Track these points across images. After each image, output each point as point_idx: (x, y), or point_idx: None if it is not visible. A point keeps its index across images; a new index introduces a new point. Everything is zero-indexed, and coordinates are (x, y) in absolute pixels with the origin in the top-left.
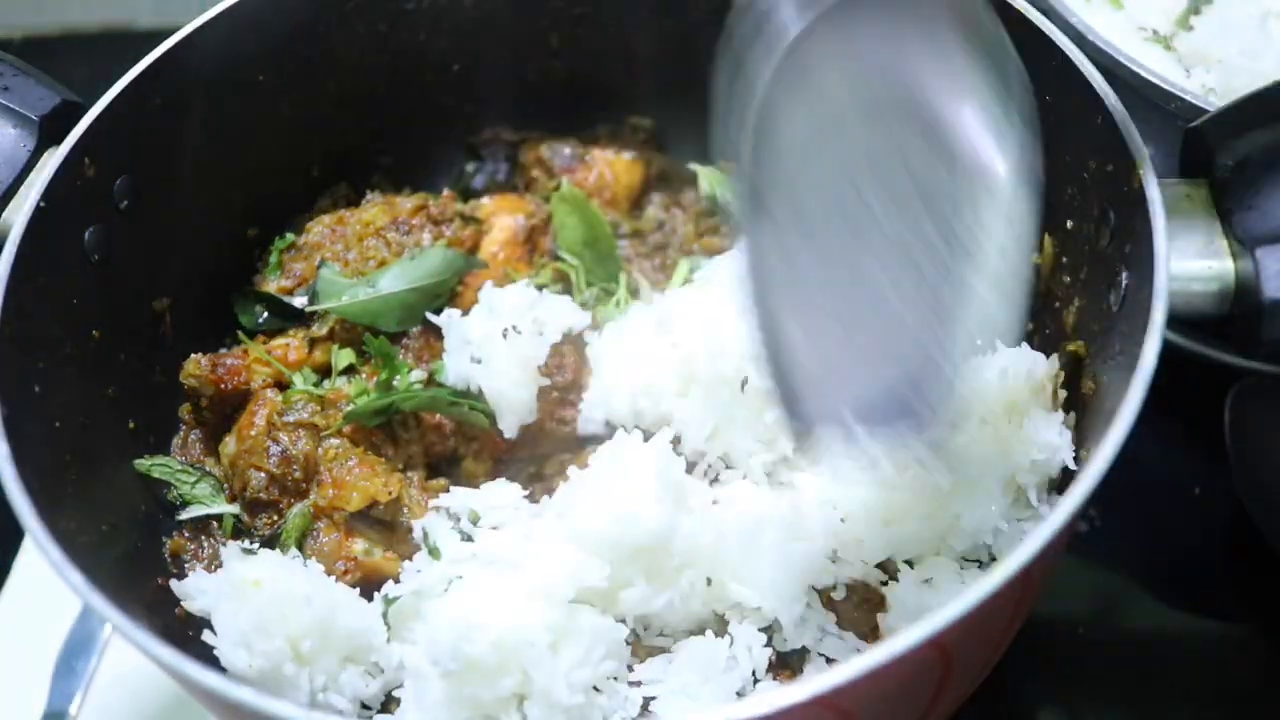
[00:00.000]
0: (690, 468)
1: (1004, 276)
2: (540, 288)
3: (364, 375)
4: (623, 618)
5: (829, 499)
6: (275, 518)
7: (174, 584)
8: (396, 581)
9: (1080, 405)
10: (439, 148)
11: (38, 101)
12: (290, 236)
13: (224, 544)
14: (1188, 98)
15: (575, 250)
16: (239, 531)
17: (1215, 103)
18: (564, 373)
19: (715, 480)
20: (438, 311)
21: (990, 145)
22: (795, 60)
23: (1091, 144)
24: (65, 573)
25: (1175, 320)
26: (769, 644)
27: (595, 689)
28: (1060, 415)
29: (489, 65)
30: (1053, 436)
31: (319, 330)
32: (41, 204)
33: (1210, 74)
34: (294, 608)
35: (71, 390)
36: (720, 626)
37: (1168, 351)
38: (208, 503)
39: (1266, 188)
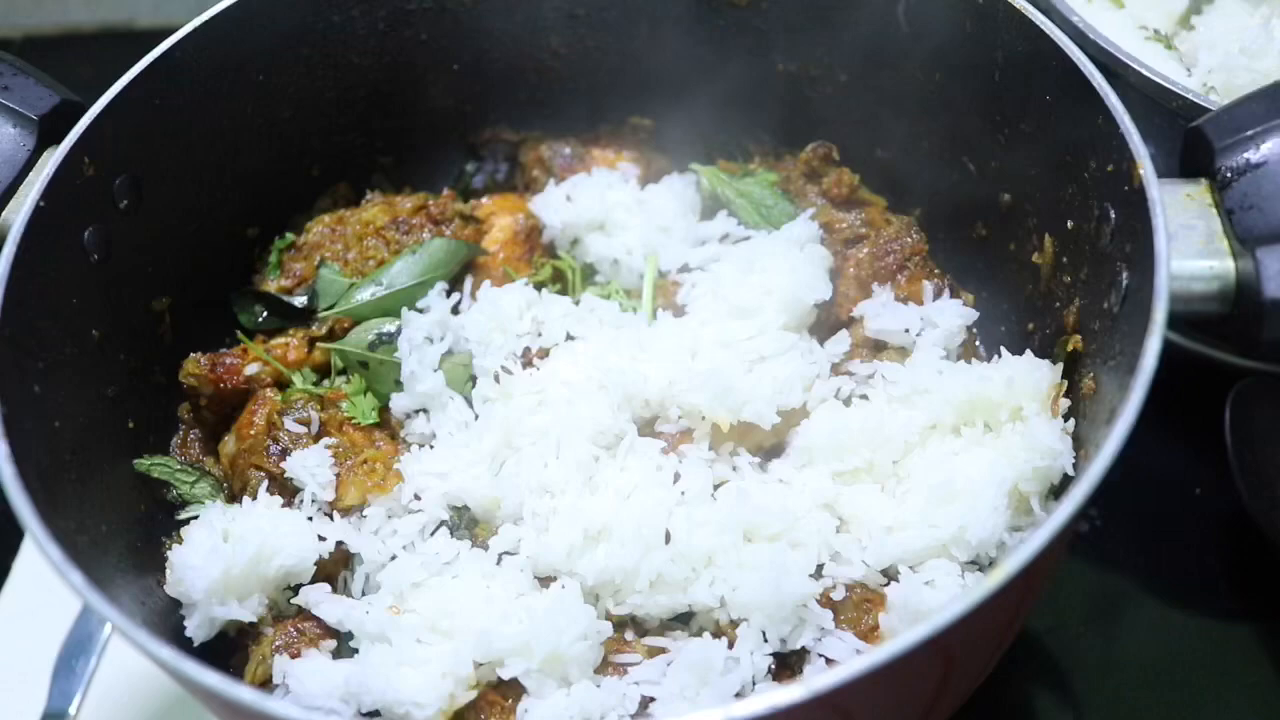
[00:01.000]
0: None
1: None
2: (539, 287)
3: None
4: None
5: (828, 501)
6: None
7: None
8: None
9: (1080, 405)
10: (439, 148)
11: (37, 101)
12: (290, 236)
13: None
14: (1189, 96)
15: None
16: None
17: (1216, 101)
18: None
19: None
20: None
21: None
22: None
23: (1091, 144)
24: (65, 572)
25: (1175, 320)
26: (766, 640)
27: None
28: (1061, 422)
29: (489, 65)
30: (1054, 442)
31: (319, 330)
32: (41, 203)
33: (1211, 73)
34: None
35: (71, 390)
36: (717, 629)
37: (1168, 351)
38: (207, 502)
39: (1267, 187)
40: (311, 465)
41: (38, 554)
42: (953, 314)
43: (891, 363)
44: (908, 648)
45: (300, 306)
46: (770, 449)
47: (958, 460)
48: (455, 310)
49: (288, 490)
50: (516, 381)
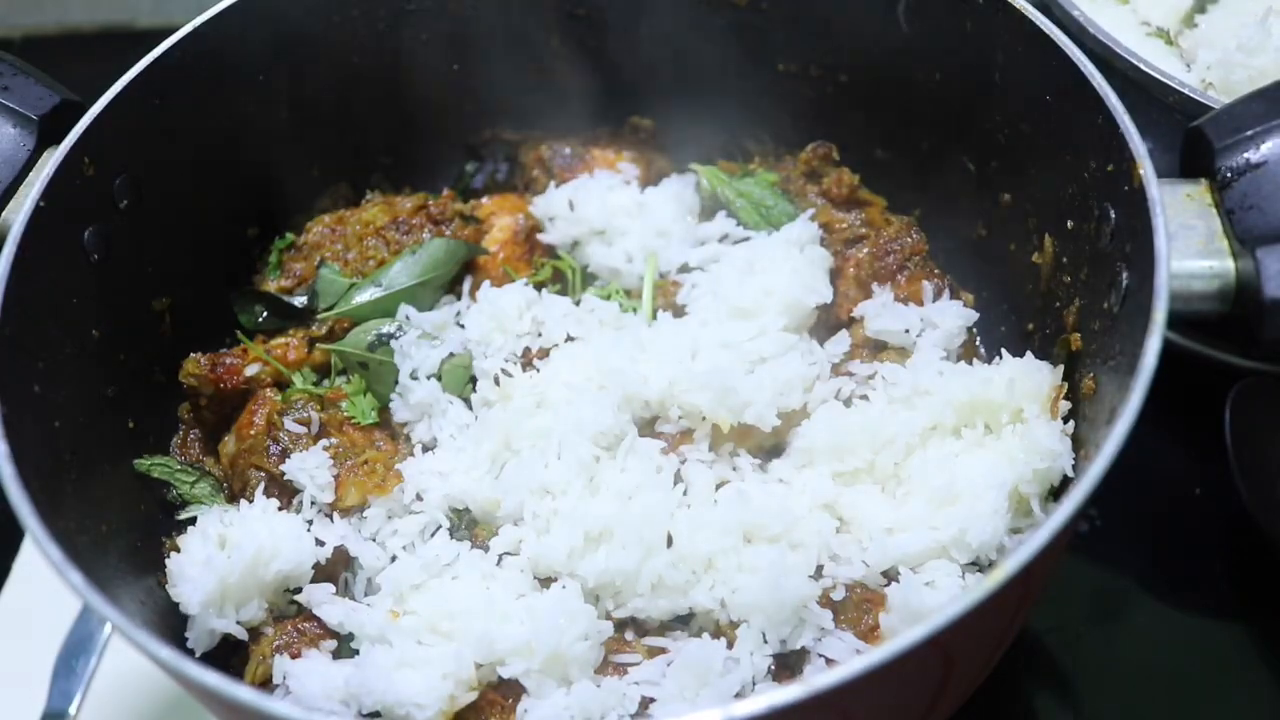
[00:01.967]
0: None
1: None
2: (539, 287)
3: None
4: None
5: (828, 502)
6: None
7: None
8: None
9: (1080, 405)
10: (439, 148)
11: (37, 101)
12: (290, 236)
13: None
14: (1185, 91)
15: None
16: None
17: (1215, 98)
18: None
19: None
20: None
21: None
22: None
23: (1091, 143)
24: (65, 572)
25: (1175, 320)
26: (766, 641)
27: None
28: (1060, 424)
29: (489, 65)
30: (1055, 444)
31: (319, 330)
32: (41, 203)
33: (1210, 69)
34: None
35: (71, 390)
36: (717, 630)
37: (1168, 351)
38: (207, 502)
39: (1267, 187)
40: (311, 467)
41: (38, 554)
42: (953, 314)
43: (892, 363)
44: (908, 648)
45: (300, 306)
46: (770, 449)
47: (958, 462)
48: (460, 323)
49: (287, 491)
50: (516, 384)
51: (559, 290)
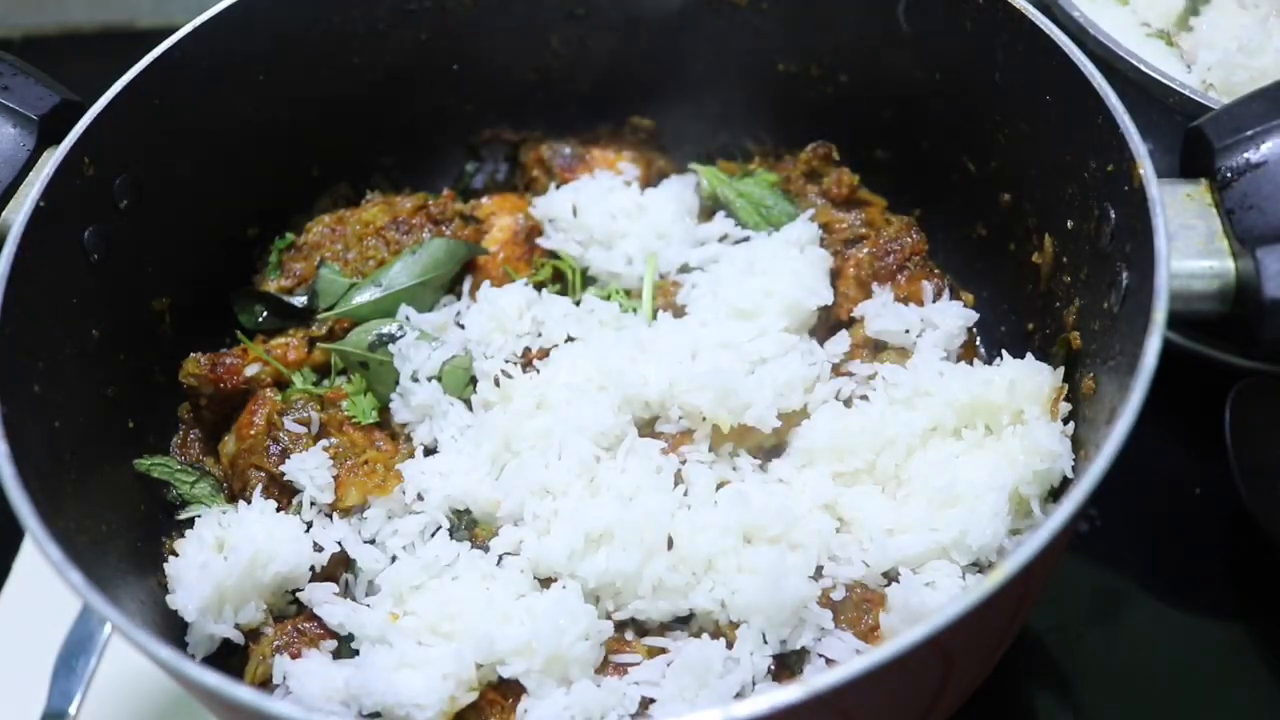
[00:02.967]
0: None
1: None
2: (539, 287)
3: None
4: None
5: (828, 502)
6: None
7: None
8: None
9: (1080, 406)
10: (439, 148)
11: (37, 101)
12: (290, 236)
13: None
14: (1185, 92)
15: None
16: None
17: (1215, 98)
18: None
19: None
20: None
21: None
22: None
23: (1091, 144)
24: (65, 572)
25: (1175, 320)
26: (766, 642)
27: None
28: (1061, 425)
29: (489, 65)
30: (1055, 445)
31: (319, 330)
32: (41, 203)
33: (1210, 70)
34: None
35: (71, 390)
36: (716, 630)
37: (1168, 351)
38: (207, 503)
39: (1267, 187)
40: (310, 467)
41: (38, 554)
42: (953, 315)
43: (892, 364)
44: (907, 648)
45: (300, 306)
46: (770, 449)
47: (959, 463)
48: (459, 323)
49: (287, 491)
50: (516, 385)
51: (559, 290)
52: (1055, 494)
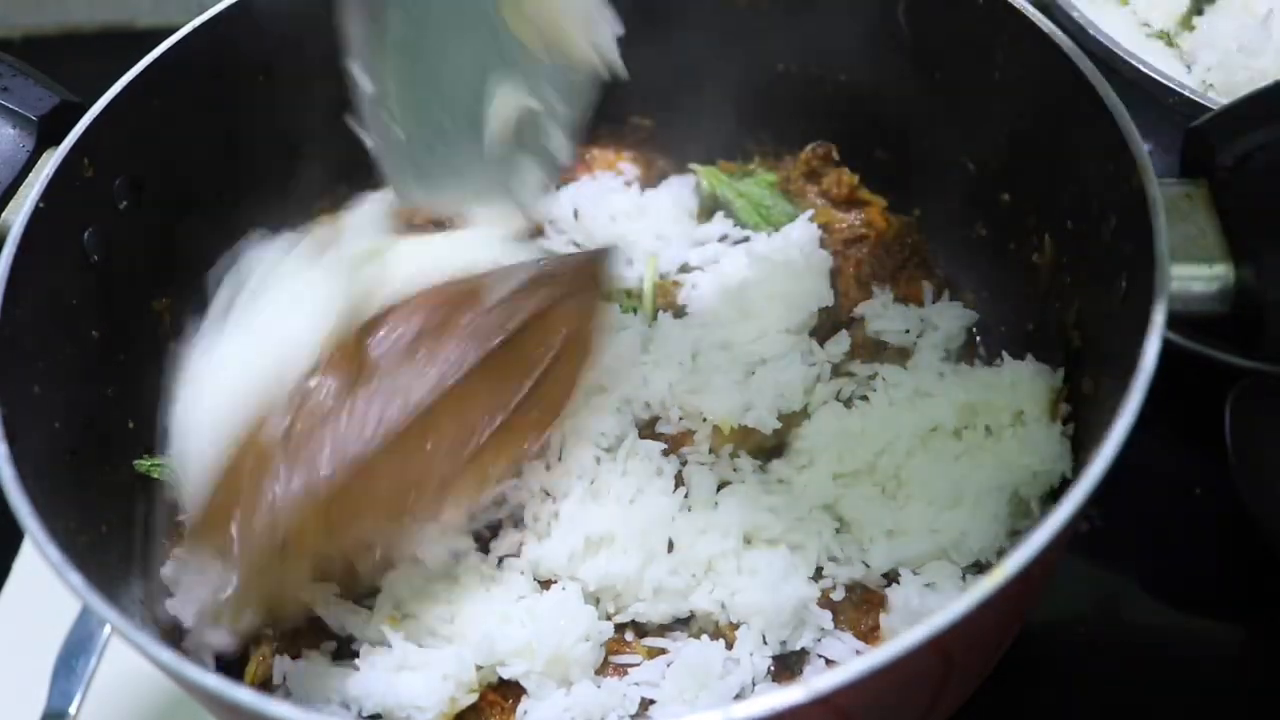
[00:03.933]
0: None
1: None
2: None
3: None
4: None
5: (829, 503)
6: None
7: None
8: None
9: (1080, 406)
10: None
11: (37, 102)
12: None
13: None
14: (1186, 93)
15: None
16: None
17: (1215, 99)
18: None
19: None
20: None
21: None
22: None
23: (1091, 144)
24: (65, 573)
25: (1175, 320)
26: (766, 643)
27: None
28: (1060, 426)
29: None
30: (1055, 447)
31: None
32: (40, 204)
33: (1210, 71)
34: None
35: (71, 390)
36: (716, 630)
37: (1168, 351)
38: None
39: (1267, 188)
40: None
41: (37, 554)
42: (953, 315)
43: (892, 365)
44: (907, 648)
45: None
46: (771, 450)
47: (959, 465)
48: None
49: None
50: None
51: None
52: (1055, 494)
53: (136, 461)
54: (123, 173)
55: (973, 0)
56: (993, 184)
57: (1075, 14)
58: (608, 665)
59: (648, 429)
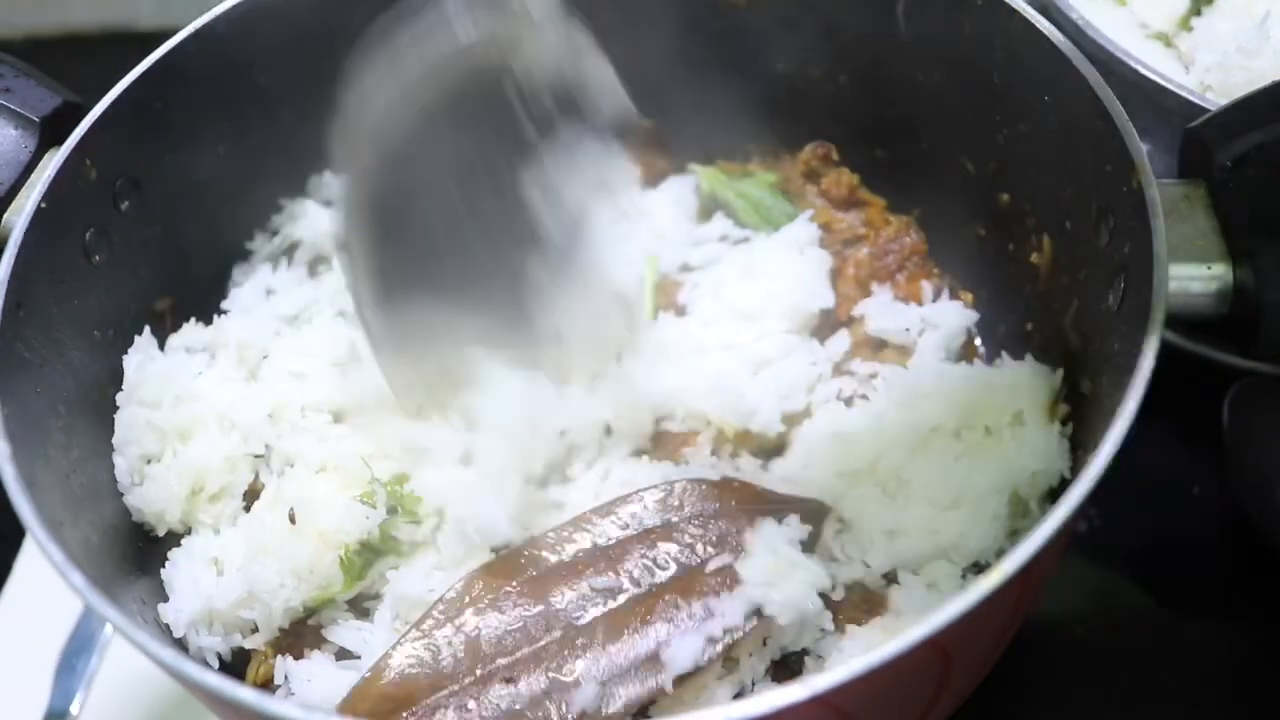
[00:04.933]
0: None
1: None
2: None
3: None
4: None
5: (829, 503)
6: None
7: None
8: None
9: (1079, 406)
10: None
11: (39, 102)
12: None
13: None
14: (1184, 94)
15: None
16: None
17: (1213, 100)
18: None
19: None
20: None
21: None
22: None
23: (1090, 144)
24: (66, 573)
25: (1174, 320)
26: (765, 644)
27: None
28: (1059, 426)
29: None
30: (1053, 447)
31: None
32: (42, 205)
33: (1209, 72)
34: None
35: (72, 391)
36: None
37: (1167, 351)
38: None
39: (1265, 188)
40: None
41: (38, 554)
42: (953, 315)
43: (893, 364)
44: (907, 648)
45: None
46: (772, 449)
47: (959, 465)
48: None
49: None
50: None
51: None
52: (1054, 495)
53: None
54: (124, 173)
55: (972, 0)
56: (993, 184)
57: (1074, 14)
58: None
59: (653, 430)
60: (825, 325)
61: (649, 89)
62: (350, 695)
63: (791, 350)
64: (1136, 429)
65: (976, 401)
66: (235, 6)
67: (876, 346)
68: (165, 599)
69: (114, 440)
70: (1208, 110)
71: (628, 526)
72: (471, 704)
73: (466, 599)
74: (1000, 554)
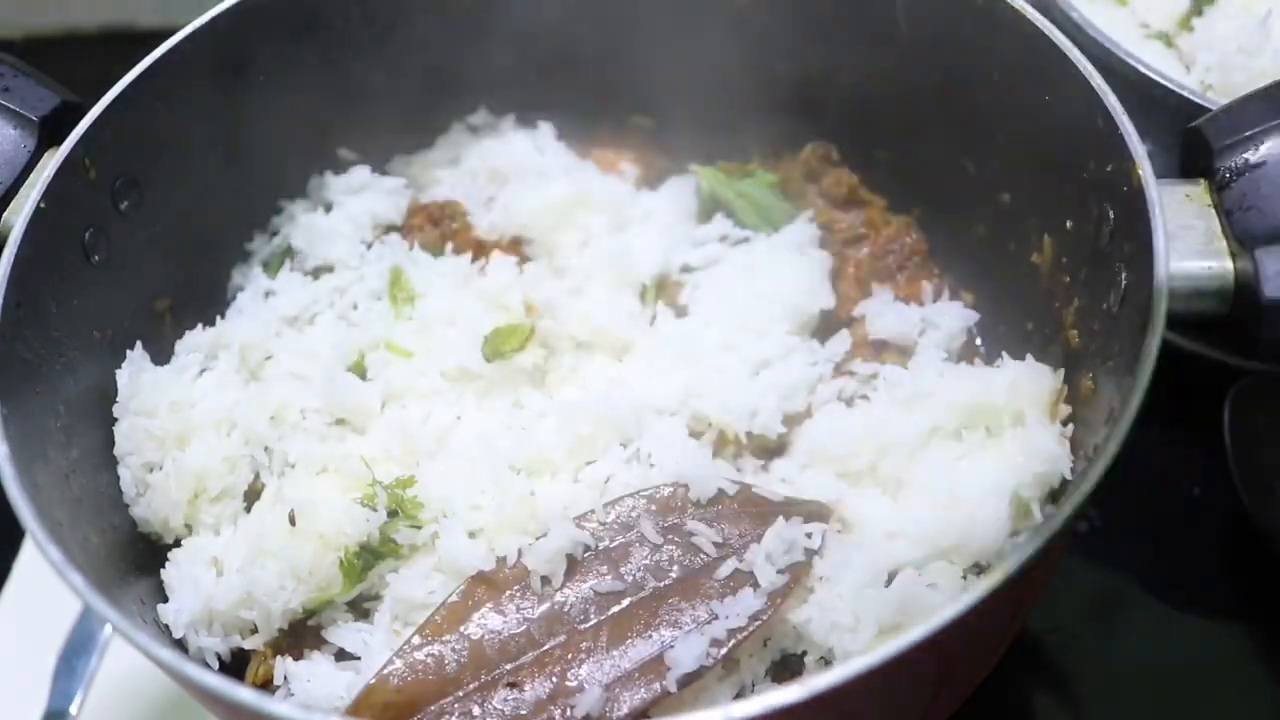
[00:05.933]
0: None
1: None
2: None
3: None
4: None
5: (830, 503)
6: None
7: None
8: None
9: (1079, 406)
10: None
11: (38, 102)
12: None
13: None
14: (1184, 94)
15: None
16: None
17: (1214, 99)
18: None
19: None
20: None
21: None
22: None
23: (1090, 144)
24: (66, 573)
25: (1174, 320)
26: (765, 645)
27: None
28: (1060, 426)
29: (488, 65)
30: (1055, 448)
31: None
32: (42, 205)
33: (1209, 71)
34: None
35: (72, 391)
36: None
37: (1167, 351)
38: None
39: (1266, 188)
40: None
41: (38, 554)
42: (954, 315)
43: (893, 364)
44: (907, 648)
45: None
46: (773, 449)
47: (959, 466)
48: None
49: None
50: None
51: None
52: (1054, 495)
53: None
54: (124, 173)
55: (972, 0)
56: (993, 184)
57: (1074, 14)
58: None
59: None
60: (825, 325)
61: (649, 89)
62: (354, 702)
63: (792, 351)
64: (1137, 430)
65: (977, 402)
66: (235, 6)
67: (877, 347)
68: (165, 599)
69: (115, 452)
70: (1208, 110)
71: (630, 529)
72: (476, 710)
73: (469, 603)
74: (1001, 554)
